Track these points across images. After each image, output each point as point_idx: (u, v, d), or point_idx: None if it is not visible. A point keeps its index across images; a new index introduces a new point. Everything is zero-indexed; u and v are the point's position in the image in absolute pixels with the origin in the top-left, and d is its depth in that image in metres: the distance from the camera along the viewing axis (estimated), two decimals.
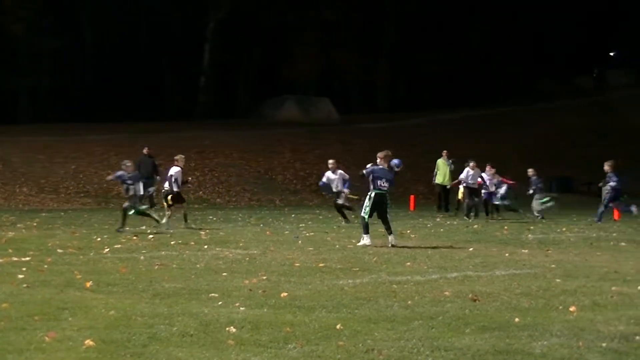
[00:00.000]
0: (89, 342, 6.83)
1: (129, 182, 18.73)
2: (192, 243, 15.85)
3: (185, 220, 20.14)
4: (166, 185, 20.52)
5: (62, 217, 23.98)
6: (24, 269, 11.56)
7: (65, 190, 32.80)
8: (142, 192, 19.16)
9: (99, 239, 16.71)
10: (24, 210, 27.62)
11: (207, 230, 19.28)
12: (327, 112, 53.51)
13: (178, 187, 20.19)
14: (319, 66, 57.86)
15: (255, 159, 39.62)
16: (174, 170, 20.34)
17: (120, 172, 18.95)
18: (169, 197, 20.16)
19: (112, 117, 48.14)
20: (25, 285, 9.89)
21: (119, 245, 15.30)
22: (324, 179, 22.51)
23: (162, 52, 55.22)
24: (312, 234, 18.57)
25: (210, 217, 24.43)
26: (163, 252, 14.23)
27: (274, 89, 55.64)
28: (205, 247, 15.19)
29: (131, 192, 18.76)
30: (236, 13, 54.59)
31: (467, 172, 25.14)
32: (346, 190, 22.12)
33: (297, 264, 12.52)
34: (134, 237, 16.99)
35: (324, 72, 59.10)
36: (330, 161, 22.72)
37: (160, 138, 38.84)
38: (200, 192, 34.14)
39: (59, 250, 14.27)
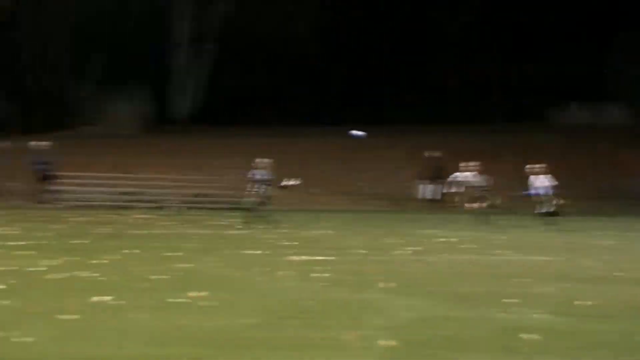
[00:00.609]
0: (388, 342, 6.79)
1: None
2: (484, 246, 15.65)
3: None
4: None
5: (360, 218, 24.50)
6: (322, 267, 11.82)
7: (358, 192, 33.54)
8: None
9: (401, 240, 16.81)
10: (318, 211, 28.49)
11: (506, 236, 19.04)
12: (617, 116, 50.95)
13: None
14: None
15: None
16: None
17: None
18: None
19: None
20: (324, 284, 10.08)
21: (420, 248, 15.32)
22: None
23: None
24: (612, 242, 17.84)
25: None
26: (461, 256, 14.12)
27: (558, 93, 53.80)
28: (499, 251, 14.92)
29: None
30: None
31: None
32: None
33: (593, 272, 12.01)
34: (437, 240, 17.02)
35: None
36: None
37: None
38: None
39: (361, 251, 14.47)
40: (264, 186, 20.95)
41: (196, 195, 29.88)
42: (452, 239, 17.44)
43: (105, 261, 11.74)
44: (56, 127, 41.59)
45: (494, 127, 42.00)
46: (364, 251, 14.51)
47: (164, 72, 47.98)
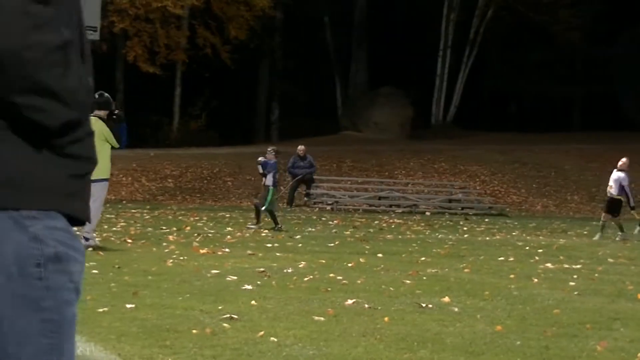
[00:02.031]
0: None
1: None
2: None
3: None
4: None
5: (612, 226, 23.72)
6: (575, 276, 11.63)
7: None
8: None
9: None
10: (575, 218, 27.85)
11: None
12: None
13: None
14: None
15: None
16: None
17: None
18: None
19: None
20: (576, 293, 9.93)
21: None
22: None
23: None
24: None
25: None
26: None
27: None
28: None
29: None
30: None
31: None
32: None
33: None
34: None
35: None
36: None
37: None
38: None
39: (610, 260, 14.15)
40: None
41: (450, 201, 30.00)
42: None
43: (351, 264, 12.09)
44: (322, 131, 43.00)
45: None
46: (619, 260, 14.11)
47: (426, 76, 48.47)
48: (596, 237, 19.64)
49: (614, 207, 20.04)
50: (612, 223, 20.24)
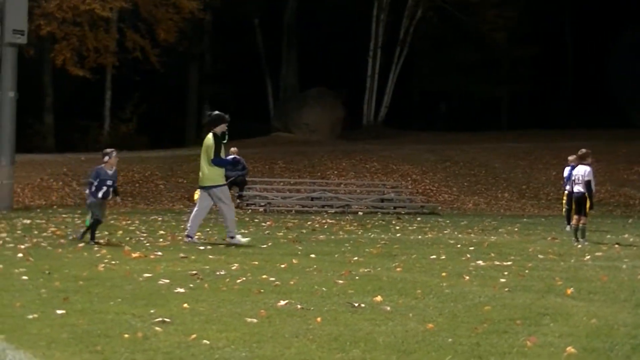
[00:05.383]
0: (570, 349, 6.75)
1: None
2: None
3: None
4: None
5: (543, 223, 24.13)
6: (505, 273, 11.79)
7: (546, 197, 32.97)
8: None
9: (579, 246, 16.57)
10: (505, 215, 28.23)
11: None
12: None
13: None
14: None
15: None
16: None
17: None
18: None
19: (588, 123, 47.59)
20: (506, 290, 10.06)
21: (600, 253, 15.04)
22: None
23: None
24: None
25: None
26: None
27: None
28: None
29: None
30: None
31: None
32: None
33: None
34: (616, 246, 16.60)
35: None
36: None
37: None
38: None
39: (540, 256, 14.36)
40: None
41: (382, 200, 30.17)
42: None
43: (283, 265, 12.09)
44: (254, 133, 42.91)
45: None
46: (549, 256, 14.33)
47: (357, 77, 48.72)
48: (581, 244, 16.85)
49: (581, 205, 17.37)
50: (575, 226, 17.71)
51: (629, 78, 47.49)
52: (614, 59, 49.35)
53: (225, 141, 15.89)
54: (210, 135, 15.82)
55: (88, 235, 15.15)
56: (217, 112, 16.24)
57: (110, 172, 15.35)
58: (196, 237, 15.91)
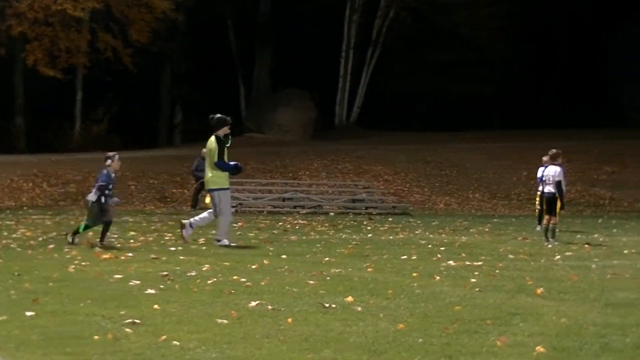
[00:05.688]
0: (539, 348, 6.80)
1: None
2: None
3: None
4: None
5: (514, 223, 24.25)
6: (476, 273, 11.84)
7: (517, 197, 33.15)
8: None
9: (549, 246, 16.67)
10: (477, 216, 28.35)
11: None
12: None
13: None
14: None
15: None
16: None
17: None
18: None
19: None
20: (477, 290, 10.11)
21: (570, 253, 15.13)
22: None
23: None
24: None
25: None
26: (615, 261, 13.83)
27: None
28: None
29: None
30: None
31: None
32: None
33: None
34: (586, 245, 16.71)
35: None
36: None
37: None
38: None
39: (510, 256, 14.44)
40: None
41: (354, 201, 30.20)
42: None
43: (255, 266, 12.08)
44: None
45: None
46: (520, 256, 14.41)
47: (329, 77, 48.78)
48: (551, 244, 16.80)
49: (552, 206, 17.29)
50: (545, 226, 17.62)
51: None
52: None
53: (229, 144, 15.76)
54: (213, 138, 15.71)
55: (88, 236, 15.13)
56: (219, 115, 16.07)
57: (113, 176, 15.30)
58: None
